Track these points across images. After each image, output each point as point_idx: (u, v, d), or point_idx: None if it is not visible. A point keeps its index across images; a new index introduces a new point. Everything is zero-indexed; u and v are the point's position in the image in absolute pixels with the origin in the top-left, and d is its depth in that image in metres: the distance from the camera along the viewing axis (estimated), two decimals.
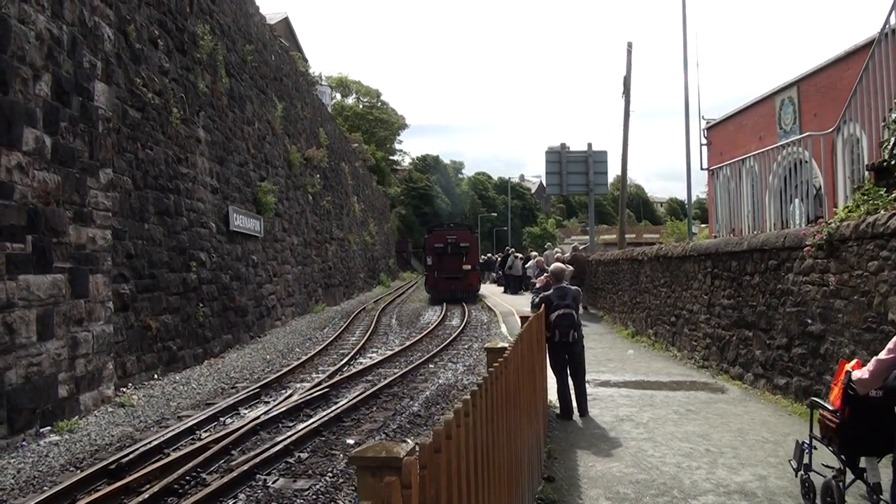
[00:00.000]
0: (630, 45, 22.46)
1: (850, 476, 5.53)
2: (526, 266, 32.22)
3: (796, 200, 12.77)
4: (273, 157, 24.25)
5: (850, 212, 8.89)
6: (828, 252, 8.92)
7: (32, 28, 9.34)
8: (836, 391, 5.48)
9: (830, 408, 5.57)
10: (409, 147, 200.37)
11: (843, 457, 5.50)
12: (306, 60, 41.08)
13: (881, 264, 7.63)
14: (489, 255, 49.89)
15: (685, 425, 8.93)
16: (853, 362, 5.43)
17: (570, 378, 9.57)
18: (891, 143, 8.53)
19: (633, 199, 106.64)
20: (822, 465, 5.85)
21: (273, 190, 22.78)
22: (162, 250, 14.11)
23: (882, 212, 8.05)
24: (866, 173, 9.96)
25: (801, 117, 19.48)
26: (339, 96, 71.76)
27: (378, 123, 72.87)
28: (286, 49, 30.13)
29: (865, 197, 8.79)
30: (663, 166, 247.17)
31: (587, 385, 10.50)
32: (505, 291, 34.96)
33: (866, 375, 5.01)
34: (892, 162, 8.62)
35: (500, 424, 3.79)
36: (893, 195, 8.25)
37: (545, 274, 12.86)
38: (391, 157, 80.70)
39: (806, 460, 6.00)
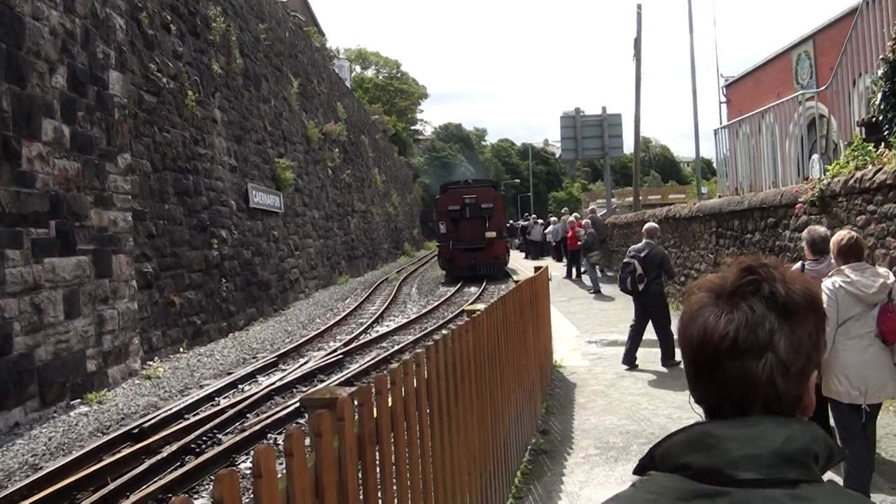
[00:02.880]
0: (640, 6, 22.40)
1: None
2: (545, 231, 32.47)
3: (815, 156, 12.91)
4: (290, 133, 24.65)
5: (841, 168, 9.10)
6: (821, 208, 9.14)
7: (46, 24, 9.77)
8: None
9: None
10: (431, 116, 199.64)
11: None
12: (323, 34, 41.21)
13: (868, 218, 7.86)
14: (512, 221, 50.10)
15: (683, 379, 9.25)
16: None
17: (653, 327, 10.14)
18: (878, 99, 8.68)
19: (658, 159, 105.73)
20: None
21: (291, 166, 23.17)
22: (183, 229, 14.61)
23: (869, 167, 8.27)
24: (856, 129, 10.12)
25: (818, 71, 19.37)
26: (358, 69, 71.74)
27: (398, 94, 72.79)
28: (300, 25, 30.38)
29: (855, 153, 8.97)
30: (689, 125, 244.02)
31: (593, 345, 10.87)
32: (526, 257, 35.27)
33: None
34: (881, 117, 8.78)
35: (467, 379, 4.13)
36: (881, 150, 8.43)
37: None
38: (413, 127, 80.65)
39: None
